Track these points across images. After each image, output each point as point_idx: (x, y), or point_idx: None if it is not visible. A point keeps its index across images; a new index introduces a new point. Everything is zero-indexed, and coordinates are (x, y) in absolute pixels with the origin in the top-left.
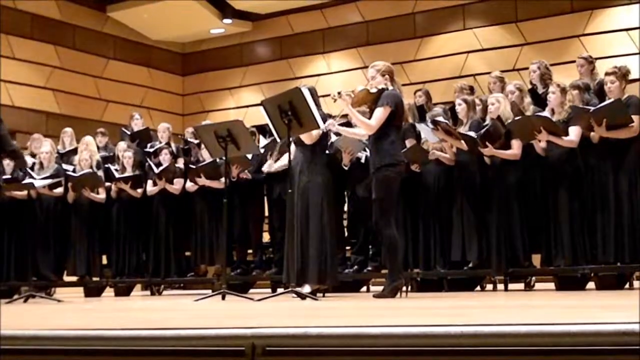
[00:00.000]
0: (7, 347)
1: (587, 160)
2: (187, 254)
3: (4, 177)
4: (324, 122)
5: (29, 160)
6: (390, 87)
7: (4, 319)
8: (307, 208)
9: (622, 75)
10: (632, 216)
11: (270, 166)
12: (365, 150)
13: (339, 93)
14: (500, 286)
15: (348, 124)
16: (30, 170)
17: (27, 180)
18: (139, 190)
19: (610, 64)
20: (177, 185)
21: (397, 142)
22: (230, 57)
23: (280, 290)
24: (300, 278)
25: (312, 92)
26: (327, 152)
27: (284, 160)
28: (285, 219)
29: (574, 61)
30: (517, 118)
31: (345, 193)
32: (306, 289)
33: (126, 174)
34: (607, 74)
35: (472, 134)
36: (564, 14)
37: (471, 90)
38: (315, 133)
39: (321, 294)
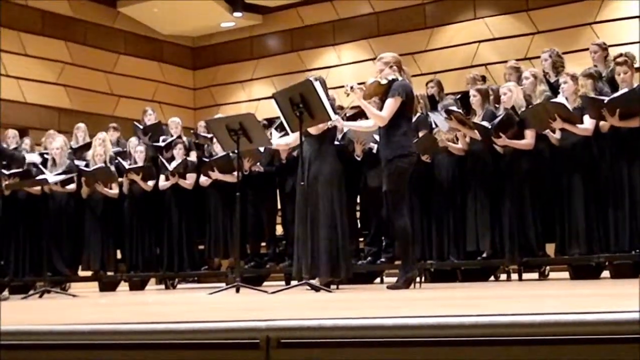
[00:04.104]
0: (24, 343)
1: (601, 148)
2: (201, 247)
3: (12, 171)
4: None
5: (34, 157)
6: (400, 78)
7: (20, 314)
8: (317, 199)
9: (632, 63)
10: None
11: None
12: (376, 142)
13: (351, 87)
14: (514, 276)
15: (358, 115)
16: (42, 167)
17: (41, 177)
18: (150, 183)
19: (623, 51)
20: (189, 180)
21: (409, 133)
22: (241, 50)
23: (294, 282)
24: (313, 271)
25: (321, 83)
26: (336, 142)
27: (289, 139)
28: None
29: (585, 49)
30: (531, 106)
31: (359, 184)
32: (316, 282)
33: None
34: (618, 63)
35: (486, 123)
36: (575, 2)
37: (483, 79)
38: (323, 124)
39: (335, 286)
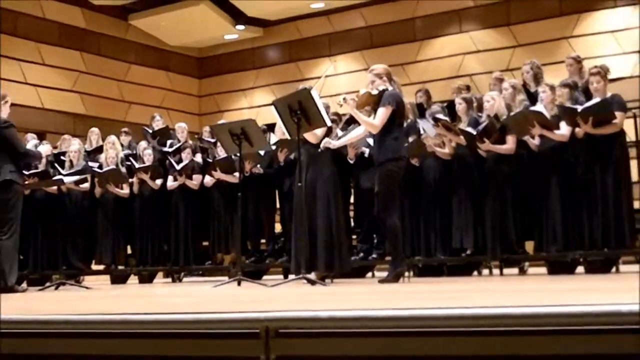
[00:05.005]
0: (41, 331)
1: (576, 153)
2: (205, 243)
3: (32, 172)
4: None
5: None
6: (390, 88)
7: (37, 305)
8: (315, 200)
9: (605, 74)
10: (617, 205)
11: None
12: (368, 146)
13: (344, 99)
14: (496, 271)
15: (355, 120)
16: (59, 167)
17: (57, 177)
18: (158, 182)
19: (598, 64)
20: (195, 180)
21: (400, 139)
22: (243, 60)
23: (291, 276)
24: (310, 266)
25: None
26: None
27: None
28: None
29: (563, 61)
30: (512, 113)
31: (350, 185)
32: (312, 276)
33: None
34: (592, 74)
35: (471, 130)
36: (553, 17)
37: (468, 89)
38: (320, 133)
39: (329, 280)
